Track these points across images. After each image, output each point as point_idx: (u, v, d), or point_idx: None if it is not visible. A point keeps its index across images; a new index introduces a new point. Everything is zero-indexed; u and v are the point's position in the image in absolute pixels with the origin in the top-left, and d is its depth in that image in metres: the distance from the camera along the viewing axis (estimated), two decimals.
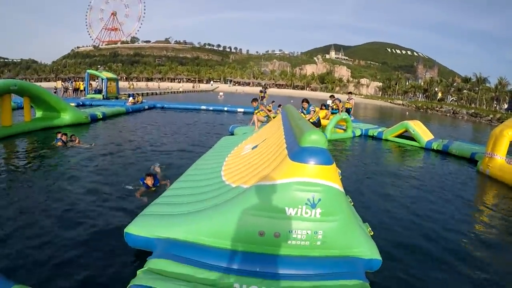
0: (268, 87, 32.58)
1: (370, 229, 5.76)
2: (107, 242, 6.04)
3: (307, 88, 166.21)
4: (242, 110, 29.68)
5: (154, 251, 5.06)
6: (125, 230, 5.48)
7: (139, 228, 5.39)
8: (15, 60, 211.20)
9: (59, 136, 13.60)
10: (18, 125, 16.92)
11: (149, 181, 8.16)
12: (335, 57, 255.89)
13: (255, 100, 15.90)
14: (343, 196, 4.94)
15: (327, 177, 4.65)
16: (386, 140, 18.41)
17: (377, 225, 6.69)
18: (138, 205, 7.41)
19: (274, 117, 14.97)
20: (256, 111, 15.62)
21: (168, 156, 12.46)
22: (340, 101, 19.65)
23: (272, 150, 6.68)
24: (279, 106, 22.81)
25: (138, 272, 4.55)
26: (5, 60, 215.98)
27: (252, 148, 8.36)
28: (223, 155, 9.50)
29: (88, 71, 40.55)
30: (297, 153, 4.84)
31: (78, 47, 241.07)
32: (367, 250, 4.99)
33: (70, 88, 44.33)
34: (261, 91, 27.02)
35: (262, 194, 4.88)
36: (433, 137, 17.51)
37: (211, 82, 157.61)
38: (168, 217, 5.53)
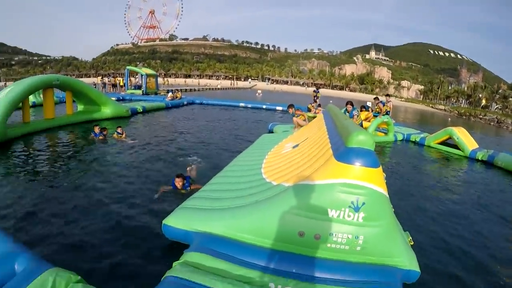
0: (320, 87, 31.92)
1: (410, 238, 5.56)
2: (144, 234, 6.22)
3: (346, 89, 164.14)
4: (281, 108, 29.34)
5: (191, 244, 5.13)
6: (163, 222, 5.62)
7: (178, 221, 5.50)
8: (57, 58, 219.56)
9: (96, 130, 14.08)
10: (61, 118, 17.79)
11: (178, 183, 8.04)
12: (375, 58, 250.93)
13: (291, 106, 15.67)
14: (388, 201, 4.79)
15: (372, 180, 4.52)
16: (429, 146, 17.77)
17: (412, 236, 6.24)
18: (173, 199, 7.63)
19: (313, 117, 14.77)
20: (294, 117, 15.41)
21: (207, 151, 12.64)
22: (384, 105, 19.19)
23: (314, 150, 6.58)
24: (319, 105, 22.59)
25: (174, 264, 4.65)
26: (47, 57, 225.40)
27: (293, 147, 8.27)
28: (263, 152, 9.47)
29: (128, 67, 41.71)
30: (343, 153, 4.73)
31: (117, 45, 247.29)
32: (406, 260, 4.81)
33: (108, 83, 45.38)
34: (314, 91, 26.67)
35: (304, 194, 4.80)
36: (477, 146, 16.74)
37: (249, 79, 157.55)
38: (207, 211, 5.59)
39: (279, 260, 4.67)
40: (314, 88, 27.65)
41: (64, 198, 7.85)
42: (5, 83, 47.64)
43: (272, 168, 7.18)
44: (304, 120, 14.70)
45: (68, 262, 4.87)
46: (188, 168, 9.66)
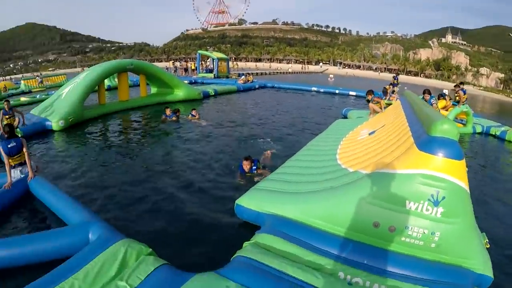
0: (399, 73, 30.50)
1: (487, 240, 5.05)
2: (214, 212, 6.40)
3: (421, 75, 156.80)
4: (354, 93, 28.18)
5: (263, 226, 5.21)
6: (236, 202, 5.77)
7: (251, 201, 5.62)
8: (129, 44, 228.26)
9: (168, 112, 14.67)
10: (135, 100, 18.97)
11: (246, 166, 8.06)
12: (452, 42, 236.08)
13: (371, 92, 15.17)
14: (468, 197, 4.45)
15: (455, 174, 4.24)
16: (510, 141, 16.40)
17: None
18: (239, 182, 7.83)
19: (388, 104, 14.32)
20: (371, 103, 14.93)
21: (279, 134, 12.65)
22: (465, 93, 18.00)
23: (393, 137, 6.30)
24: (393, 92, 21.94)
25: (244, 244, 4.76)
26: (120, 44, 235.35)
27: (369, 134, 8.03)
28: (337, 138, 9.32)
29: (199, 51, 42.77)
30: (426, 142, 4.47)
31: (187, 30, 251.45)
32: (481, 263, 4.45)
33: (180, 67, 46.42)
34: (394, 77, 25.74)
35: (383, 183, 4.63)
36: None
37: (320, 64, 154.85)
38: (280, 194, 5.63)
39: (351, 249, 4.59)
40: (394, 75, 26.73)
41: (138, 175, 8.39)
42: (82, 69, 50.56)
43: (348, 154, 7.04)
44: (381, 107, 14.27)
45: (140, 235, 5.17)
46: (264, 155, 9.69)
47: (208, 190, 7.44)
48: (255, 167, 8.05)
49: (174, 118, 14.34)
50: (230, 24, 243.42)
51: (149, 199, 7.01)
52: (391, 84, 23.95)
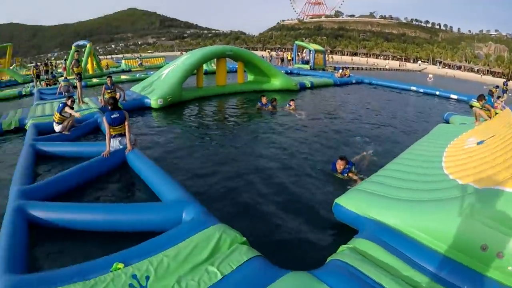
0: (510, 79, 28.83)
1: None
2: (311, 210, 6.22)
3: None
4: (455, 96, 26.31)
5: (362, 231, 4.96)
6: (336, 200, 5.57)
7: (350, 202, 5.40)
8: (225, 32, 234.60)
9: (263, 100, 14.78)
10: (231, 85, 19.64)
11: (339, 165, 7.63)
12: None
13: (482, 97, 14.04)
14: None
15: None
16: None
17: None
18: (336, 183, 7.44)
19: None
20: (479, 109, 13.90)
21: (377, 134, 12.05)
22: None
23: (508, 150, 5.68)
24: (498, 98, 20.54)
25: (341, 247, 4.56)
26: (217, 31, 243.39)
27: (478, 143, 7.42)
28: (440, 144, 8.64)
29: (296, 42, 42.87)
30: None
31: (283, 20, 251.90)
32: None
33: (276, 57, 46.66)
34: (504, 83, 24.17)
35: (499, 202, 4.19)
36: None
37: (419, 62, 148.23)
38: (382, 199, 5.34)
39: (451, 270, 4.16)
40: (504, 80, 25.07)
41: (230, 160, 8.55)
42: (181, 52, 52.94)
43: (455, 164, 6.48)
44: (490, 116, 13.25)
45: (228, 222, 5.04)
46: (362, 156, 9.11)
47: (301, 184, 7.32)
48: (347, 169, 7.60)
49: (269, 107, 14.43)
50: (326, 16, 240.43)
51: (240, 187, 7.07)
52: (496, 86, 22.41)
